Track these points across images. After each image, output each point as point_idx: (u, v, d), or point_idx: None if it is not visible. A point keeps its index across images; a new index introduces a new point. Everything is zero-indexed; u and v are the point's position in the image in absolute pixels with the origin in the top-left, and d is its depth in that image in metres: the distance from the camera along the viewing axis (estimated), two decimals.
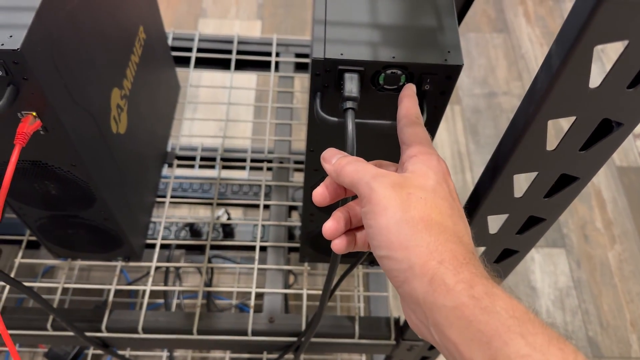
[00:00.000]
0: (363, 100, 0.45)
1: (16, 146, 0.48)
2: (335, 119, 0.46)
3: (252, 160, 1.02)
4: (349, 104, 0.44)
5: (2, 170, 0.57)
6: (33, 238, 0.78)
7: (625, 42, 0.29)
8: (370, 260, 0.81)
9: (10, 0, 0.46)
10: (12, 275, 0.75)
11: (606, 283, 1.34)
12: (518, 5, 1.87)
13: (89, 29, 0.55)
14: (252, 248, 0.83)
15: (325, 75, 0.46)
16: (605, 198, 1.48)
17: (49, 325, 0.71)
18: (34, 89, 0.46)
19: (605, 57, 1.69)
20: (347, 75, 0.45)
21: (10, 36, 0.43)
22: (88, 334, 0.71)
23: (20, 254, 0.78)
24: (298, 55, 1.03)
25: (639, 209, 1.46)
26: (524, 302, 0.29)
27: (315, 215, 0.69)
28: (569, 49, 0.29)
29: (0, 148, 0.54)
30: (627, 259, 1.38)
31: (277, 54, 1.02)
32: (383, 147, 0.55)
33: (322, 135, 0.55)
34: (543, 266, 1.37)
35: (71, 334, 0.70)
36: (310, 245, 0.76)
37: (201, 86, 1.11)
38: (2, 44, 0.43)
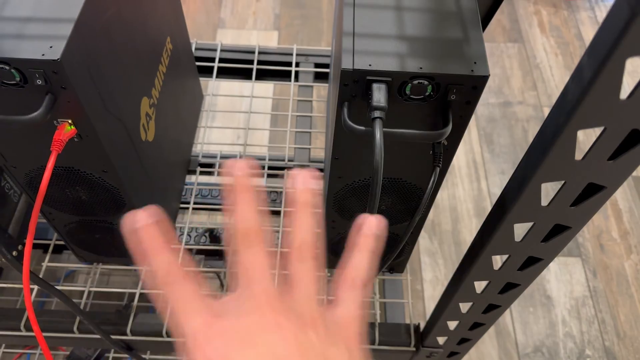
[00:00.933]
0: (389, 110, 0.46)
1: (52, 152, 0.49)
2: (362, 128, 0.47)
3: (271, 168, 1.03)
4: (377, 114, 0.45)
5: (38, 176, 0.59)
6: (59, 242, 0.80)
7: None
8: (390, 267, 0.82)
9: (49, 12, 0.47)
10: None
11: (623, 293, 1.34)
12: (533, 15, 1.88)
13: (121, 40, 0.57)
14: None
15: (353, 86, 0.47)
16: (621, 208, 1.47)
17: (75, 328, 0.73)
18: (70, 98, 0.48)
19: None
20: (375, 86, 0.46)
21: (51, 47, 0.45)
22: (113, 337, 0.73)
23: (47, 258, 0.80)
24: (317, 65, 1.05)
25: None
26: None
27: (337, 222, 0.70)
28: (602, 61, 0.30)
29: (36, 154, 0.56)
30: None
31: (297, 64, 1.04)
32: (407, 156, 0.57)
33: (347, 144, 0.56)
34: (559, 275, 1.37)
35: (97, 336, 0.71)
36: (331, 252, 0.77)
37: (221, 95, 1.13)
38: (43, 54, 0.44)
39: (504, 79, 1.71)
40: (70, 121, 0.50)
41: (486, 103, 1.65)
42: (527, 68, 1.74)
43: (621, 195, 1.49)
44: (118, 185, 0.60)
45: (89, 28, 0.49)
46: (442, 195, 1.47)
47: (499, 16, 1.86)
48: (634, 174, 1.53)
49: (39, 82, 0.46)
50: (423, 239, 1.40)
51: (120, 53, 0.57)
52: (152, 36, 0.67)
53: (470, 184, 1.49)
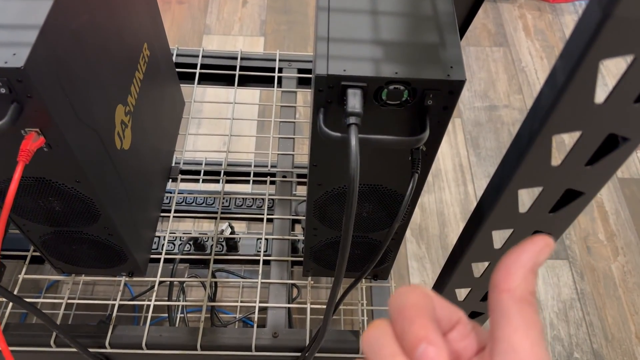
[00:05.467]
0: (366, 116, 0.45)
1: (19, 163, 0.48)
2: (338, 134, 0.46)
3: (256, 175, 1.02)
4: (352, 120, 0.44)
5: (6, 187, 0.57)
6: (37, 253, 0.78)
7: (631, 57, 0.29)
8: (374, 274, 0.81)
9: (15, 19, 0.46)
10: (16, 290, 0.75)
11: (610, 295, 1.34)
12: (517, 19, 1.88)
13: (94, 46, 0.55)
14: (256, 261, 0.83)
15: (328, 92, 0.46)
16: (607, 210, 1.47)
17: (52, 342, 0.71)
18: (37, 107, 0.46)
19: (605, 69, 1.70)
20: (350, 91, 0.45)
21: (14, 54, 0.43)
22: (92, 349, 0.71)
23: (24, 270, 0.78)
24: (300, 71, 1.04)
25: None
26: None
27: (319, 229, 0.69)
28: (574, 64, 0.29)
29: (3, 165, 0.54)
30: (630, 271, 1.37)
31: (280, 70, 1.03)
32: (386, 162, 0.56)
33: (325, 150, 0.55)
34: (546, 278, 1.36)
35: (75, 350, 0.70)
36: (313, 259, 0.76)
37: (205, 102, 1.12)
38: (6, 62, 0.43)
39: (489, 83, 1.71)
40: (38, 130, 0.49)
41: (472, 107, 1.65)
42: (513, 72, 1.74)
43: (607, 197, 1.49)
44: (92, 195, 0.58)
45: (57, 34, 0.48)
46: (429, 199, 1.47)
47: (484, 20, 1.86)
48: (620, 175, 1.53)
49: (3, 90, 0.44)
50: (410, 244, 1.40)
51: (93, 60, 0.55)
52: (128, 43, 0.66)
53: (457, 187, 1.49)
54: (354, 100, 0.45)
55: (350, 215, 0.46)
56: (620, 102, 0.31)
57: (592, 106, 0.31)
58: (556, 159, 0.37)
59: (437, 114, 0.47)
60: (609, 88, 0.31)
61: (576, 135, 0.35)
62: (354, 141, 0.43)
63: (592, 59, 0.28)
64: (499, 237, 0.47)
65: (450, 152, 1.55)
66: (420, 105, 0.47)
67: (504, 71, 1.74)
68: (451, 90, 0.45)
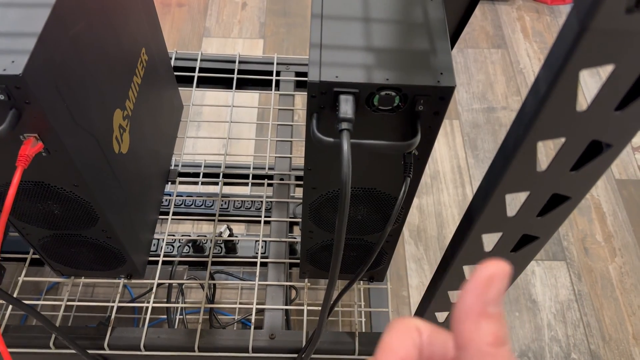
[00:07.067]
0: (358, 121, 0.46)
1: (18, 168, 0.49)
2: (331, 139, 0.47)
3: (254, 177, 1.03)
4: (344, 125, 0.45)
5: (5, 191, 0.58)
6: (37, 256, 0.79)
7: (611, 66, 0.30)
8: (370, 275, 0.82)
9: (13, 26, 0.47)
10: (16, 292, 0.76)
11: (607, 296, 1.34)
12: (516, 21, 1.89)
13: (92, 52, 0.56)
14: (254, 263, 0.84)
15: (321, 97, 0.47)
16: (605, 211, 1.48)
17: (51, 344, 0.72)
18: (36, 113, 0.47)
19: (602, 71, 1.70)
20: (342, 97, 0.46)
21: (13, 61, 0.44)
22: (90, 351, 0.72)
23: (24, 272, 0.79)
24: (298, 74, 1.05)
25: (639, 222, 1.46)
26: None
27: (315, 232, 0.70)
28: (555, 74, 0.30)
29: (3, 169, 0.55)
30: (628, 272, 1.38)
31: (278, 73, 1.03)
32: (379, 166, 0.56)
33: (319, 155, 0.55)
34: (544, 279, 1.37)
35: (74, 351, 0.70)
36: (310, 261, 0.77)
37: (204, 105, 1.13)
38: (4, 69, 0.44)
39: (487, 85, 1.72)
40: (36, 135, 0.50)
41: (470, 109, 1.66)
42: (511, 73, 1.75)
43: (605, 199, 1.50)
44: (90, 199, 0.59)
45: (55, 41, 0.48)
46: (427, 201, 1.48)
47: (483, 22, 1.87)
48: (617, 176, 1.54)
49: (2, 97, 0.45)
50: (409, 245, 1.40)
51: (91, 66, 0.56)
52: (126, 48, 0.67)
53: (455, 189, 1.49)
54: (346, 106, 0.45)
55: (343, 219, 0.47)
56: (601, 109, 0.32)
57: (574, 114, 0.32)
58: (547, 163, 0.37)
59: (428, 119, 0.48)
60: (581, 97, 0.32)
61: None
62: (345, 146, 0.44)
63: (572, 70, 0.29)
64: (487, 241, 0.47)
65: (449, 154, 1.56)
66: (412, 111, 0.48)
67: (502, 73, 1.75)
68: (441, 96, 0.46)
